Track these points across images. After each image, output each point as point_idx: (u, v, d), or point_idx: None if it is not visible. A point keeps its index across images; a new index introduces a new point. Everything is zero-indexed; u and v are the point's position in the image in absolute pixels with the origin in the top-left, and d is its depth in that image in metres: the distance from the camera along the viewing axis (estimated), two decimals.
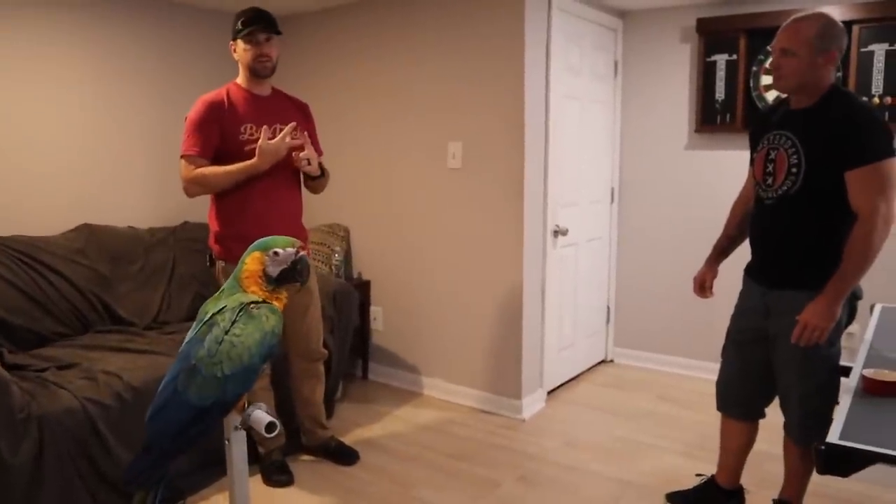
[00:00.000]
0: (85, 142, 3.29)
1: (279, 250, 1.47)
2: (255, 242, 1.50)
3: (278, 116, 2.56)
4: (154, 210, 3.55)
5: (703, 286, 2.40)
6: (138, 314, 3.11)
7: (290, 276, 1.49)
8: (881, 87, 3.19)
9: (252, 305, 1.44)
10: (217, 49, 3.63)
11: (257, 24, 2.49)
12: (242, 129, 2.51)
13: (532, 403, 3.41)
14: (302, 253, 1.50)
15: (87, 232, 3.14)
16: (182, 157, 2.48)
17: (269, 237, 1.51)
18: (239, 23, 2.50)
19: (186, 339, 1.47)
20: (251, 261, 1.48)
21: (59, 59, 3.17)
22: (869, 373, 1.68)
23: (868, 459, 1.31)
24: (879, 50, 3.18)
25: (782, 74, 2.00)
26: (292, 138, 2.49)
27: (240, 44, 2.51)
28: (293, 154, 2.51)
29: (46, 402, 2.18)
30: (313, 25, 3.84)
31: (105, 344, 2.75)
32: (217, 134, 2.48)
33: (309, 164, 2.54)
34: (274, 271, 1.47)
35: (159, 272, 3.28)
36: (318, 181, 2.68)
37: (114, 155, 3.40)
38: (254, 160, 2.42)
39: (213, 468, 2.54)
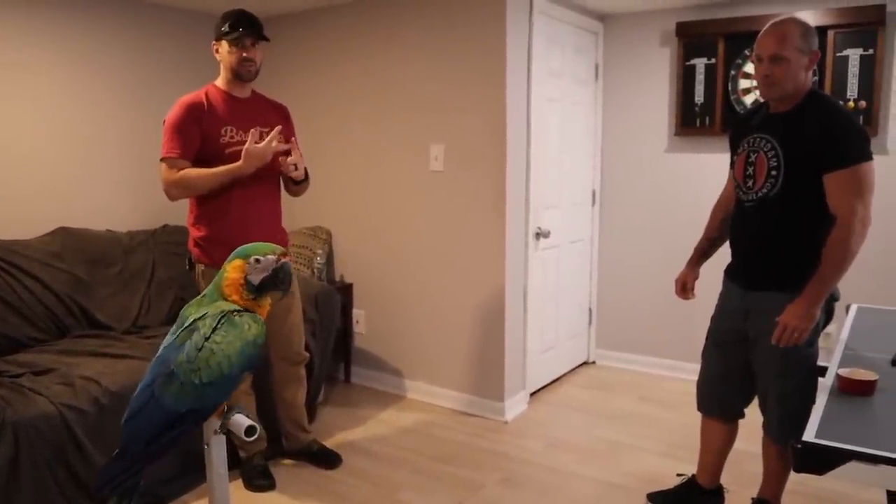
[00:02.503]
0: (61, 144, 3.25)
1: (260, 257, 1.45)
2: (237, 250, 1.48)
3: (258, 119, 2.54)
4: (133, 213, 3.51)
5: (684, 288, 2.42)
6: (117, 318, 3.07)
7: (272, 283, 1.46)
8: (856, 91, 3.25)
9: (234, 313, 1.42)
10: (194, 50, 3.60)
11: (245, 29, 2.47)
12: (223, 132, 2.49)
13: (514, 405, 3.41)
14: (284, 260, 1.47)
15: (64, 235, 3.10)
16: (162, 159, 2.45)
17: (251, 244, 1.49)
18: (226, 24, 2.47)
19: (164, 343, 1.45)
20: (232, 269, 1.45)
21: (34, 62, 3.12)
22: (844, 372, 1.70)
23: (843, 457, 1.33)
24: (854, 55, 3.23)
25: (775, 81, 2.00)
26: (278, 143, 2.48)
27: (224, 45, 2.49)
28: (280, 158, 2.50)
29: (22, 407, 2.15)
30: (296, 27, 3.83)
31: (83, 349, 2.72)
32: (198, 136, 2.46)
33: (296, 168, 2.53)
34: (256, 279, 1.45)
35: (138, 276, 3.24)
36: (300, 185, 2.67)
37: (91, 157, 3.36)
38: (239, 163, 2.40)
39: (193, 473, 2.51)
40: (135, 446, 1.40)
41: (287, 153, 2.52)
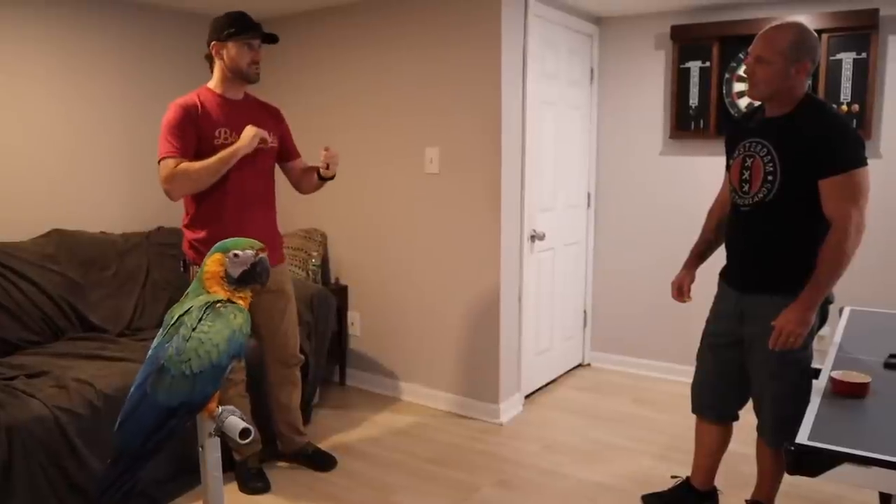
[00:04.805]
0: (55, 146, 3.24)
1: (238, 252, 1.48)
2: (216, 244, 1.51)
3: (252, 120, 2.54)
4: (127, 215, 3.50)
5: (681, 291, 2.43)
6: (111, 321, 3.06)
7: (251, 277, 1.50)
8: (849, 94, 3.26)
9: (218, 304, 1.45)
10: (187, 52, 3.59)
11: (254, 31, 2.49)
12: (217, 133, 2.49)
13: (510, 408, 3.41)
14: (261, 255, 1.51)
15: (58, 237, 3.09)
16: (161, 159, 2.42)
17: (230, 239, 1.52)
18: (232, 26, 2.46)
19: (154, 344, 1.46)
20: (212, 262, 1.49)
21: (27, 64, 3.11)
22: (837, 374, 1.71)
23: (836, 459, 1.33)
24: (847, 59, 3.25)
25: (755, 81, 2.04)
26: (263, 144, 2.52)
27: (232, 47, 2.47)
28: (323, 156, 2.58)
29: (16, 410, 2.14)
30: (291, 29, 3.82)
31: (76, 351, 2.71)
32: (194, 136, 2.45)
33: (327, 167, 2.61)
34: (235, 272, 1.48)
35: (133, 278, 3.23)
36: (322, 182, 2.70)
37: (85, 159, 3.35)
38: (237, 142, 2.43)
39: (188, 476, 2.51)
40: (130, 446, 1.40)
41: (272, 151, 2.60)
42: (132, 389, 1.44)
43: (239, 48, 2.47)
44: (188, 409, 1.42)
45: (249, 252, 1.49)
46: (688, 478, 2.50)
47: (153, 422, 1.39)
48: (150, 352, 1.46)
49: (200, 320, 1.41)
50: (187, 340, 1.39)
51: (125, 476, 1.41)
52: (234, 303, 1.48)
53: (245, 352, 1.49)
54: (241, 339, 1.45)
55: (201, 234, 2.52)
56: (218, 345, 1.40)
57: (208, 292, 1.48)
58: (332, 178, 2.68)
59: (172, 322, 1.45)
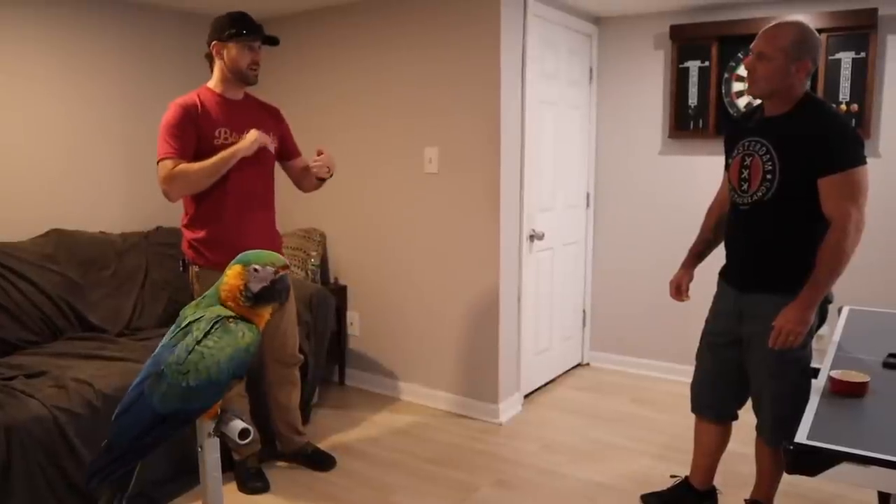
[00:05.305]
0: (54, 145, 3.23)
1: (258, 267, 1.44)
2: (239, 256, 1.48)
3: (252, 120, 2.54)
4: (126, 214, 3.50)
5: (679, 290, 2.43)
6: (110, 320, 3.06)
7: (270, 295, 1.46)
8: (848, 94, 3.27)
9: (230, 320, 1.42)
10: (186, 52, 3.59)
11: (256, 32, 2.49)
12: (217, 133, 2.49)
13: (509, 407, 3.41)
14: (282, 273, 1.46)
15: (57, 237, 3.08)
16: (160, 160, 2.42)
17: (253, 252, 1.48)
18: (234, 27, 2.46)
19: (162, 342, 1.45)
20: (232, 275, 1.45)
21: (27, 64, 3.11)
22: (836, 374, 1.71)
23: (834, 459, 1.33)
24: (846, 58, 3.25)
25: (755, 78, 2.04)
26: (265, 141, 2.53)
27: (232, 48, 2.47)
28: (312, 164, 2.60)
29: (14, 411, 2.14)
30: (290, 29, 3.82)
31: (75, 351, 2.70)
32: (194, 137, 2.45)
33: (328, 171, 2.64)
34: (254, 287, 1.44)
35: (132, 278, 3.23)
36: (321, 181, 2.72)
37: (84, 159, 3.35)
38: (237, 144, 2.44)
39: (187, 476, 2.52)
40: (121, 441, 1.40)
41: (272, 153, 2.58)
42: (133, 384, 1.44)
43: (240, 49, 2.47)
44: (182, 418, 1.41)
45: (270, 269, 1.44)
46: (687, 477, 2.50)
47: (146, 422, 1.39)
48: (157, 349, 1.45)
49: (207, 333, 1.39)
50: (189, 352, 1.37)
51: (115, 465, 1.41)
52: (246, 320, 1.44)
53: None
54: (246, 358, 1.41)
55: (200, 234, 2.52)
56: (219, 361, 1.37)
57: (223, 305, 1.45)
58: (330, 176, 2.69)
59: (183, 325, 1.43)
